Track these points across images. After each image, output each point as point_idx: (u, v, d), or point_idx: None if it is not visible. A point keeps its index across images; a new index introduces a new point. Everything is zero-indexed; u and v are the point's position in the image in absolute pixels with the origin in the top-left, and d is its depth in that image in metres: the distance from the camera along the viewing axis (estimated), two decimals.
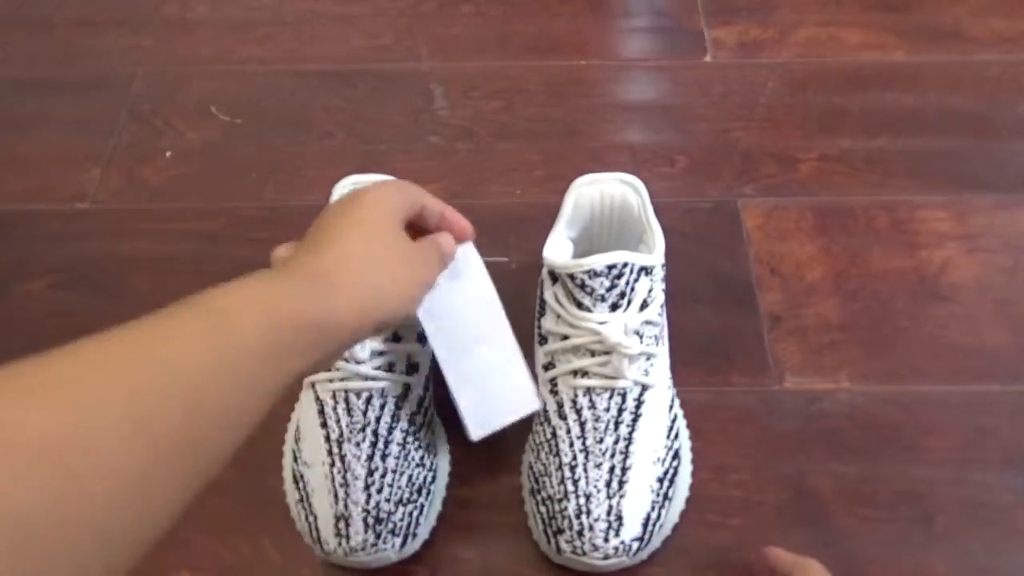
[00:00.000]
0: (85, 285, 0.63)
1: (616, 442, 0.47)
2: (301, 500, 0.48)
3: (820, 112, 0.71)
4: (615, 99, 0.74)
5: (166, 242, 0.65)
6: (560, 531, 0.47)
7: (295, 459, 0.49)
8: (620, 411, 0.48)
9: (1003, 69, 0.74)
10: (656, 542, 0.48)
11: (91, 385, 0.26)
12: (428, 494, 0.49)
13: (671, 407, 0.51)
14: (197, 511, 0.29)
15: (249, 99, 0.74)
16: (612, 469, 0.47)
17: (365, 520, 0.46)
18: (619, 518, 0.46)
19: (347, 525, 0.46)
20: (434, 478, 0.50)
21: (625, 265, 0.47)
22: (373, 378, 0.48)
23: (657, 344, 0.50)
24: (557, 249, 0.52)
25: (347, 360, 0.48)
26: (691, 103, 0.73)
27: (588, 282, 0.47)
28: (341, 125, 0.72)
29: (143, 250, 0.64)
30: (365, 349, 0.48)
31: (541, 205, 0.61)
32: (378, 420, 0.48)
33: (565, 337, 0.49)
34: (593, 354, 0.48)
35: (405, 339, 0.50)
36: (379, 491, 0.47)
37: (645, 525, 0.47)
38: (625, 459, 0.47)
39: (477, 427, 0.48)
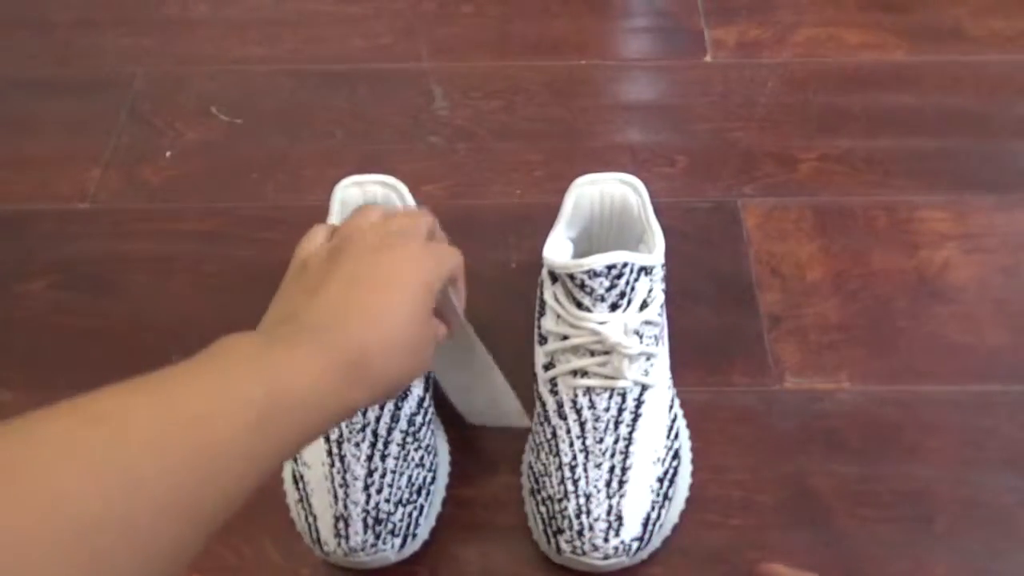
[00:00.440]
0: (85, 285, 0.63)
1: (616, 442, 0.47)
2: (301, 500, 0.48)
3: (820, 112, 0.71)
4: (615, 99, 0.74)
5: (166, 242, 0.65)
6: (560, 531, 0.47)
7: (295, 459, 0.49)
8: (620, 411, 0.48)
9: (1003, 69, 0.74)
10: (656, 542, 0.48)
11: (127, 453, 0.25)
12: (428, 494, 0.49)
13: (671, 407, 0.51)
14: None
15: (249, 99, 0.74)
16: (612, 469, 0.47)
17: (365, 520, 0.46)
18: (619, 518, 0.46)
19: (346, 525, 0.46)
20: (434, 478, 0.50)
21: (625, 265, 0.47)
22: None
23: (657, 344, 0.50)
24: (557, 249, 0.52)
25: None
26: (691, 103, 0.73)
27: (588, 282, 0.47)
28: (341, 125, 0.72)
29: (143, 250, 0.64)
30: None
31: (541, 205, 0.61)
32: (377, 420, 0.48)
33: (565, 337, 0.49)
34: (593, 354, 0.48)
35: None
36: (379, 491, 0.47)
37: (645, 525, 0.47)
38: (625, 459, 0.47)
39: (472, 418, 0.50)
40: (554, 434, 0.49)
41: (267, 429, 0.29)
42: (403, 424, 0.49)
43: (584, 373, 0.49)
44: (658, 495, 0.48)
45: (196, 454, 0.27)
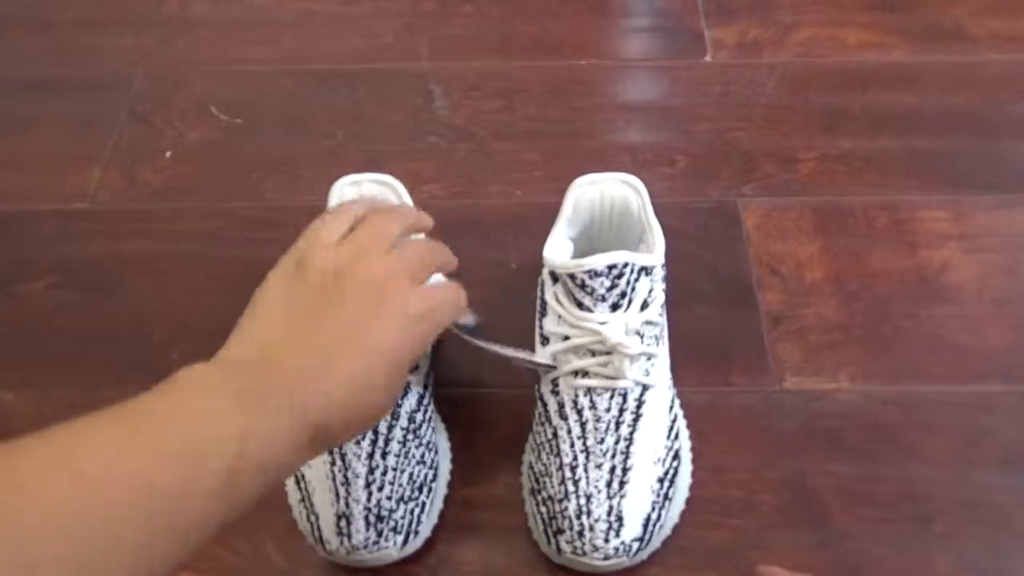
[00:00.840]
0: (85, 285, 0.63)
1: (617, 442, 0.47)
2: (303, 500, 0.48)
3: (820, 112, 0.71)
4: (615, 99, 0.74)
5: (166, 242, 0.65)
6: (560, 531, 0.47)
7: None
8: (621, 411, 0.48)
9: (1003, 69, 0.74)
10: (656, 542, 0.48)
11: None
12: (429, 491, 0.49)
13: (671, 407, 0.51)
14: None
15: (249, 99, 0.74)
16: (613, 469, 0.47)
17: (366, 518, 0.46)
18: (619, 518, 0.46)
19: (348, 523, 0.46)
20: (435, 476, 0.50)
21: (625, 265, 0.47)
22: None
23: (657, 344, 0.50)
24: (557, 249, 0.52)
25: None
26: (691, 103, 0.73)
27: (588, 282, 0.47)
28: (341, 125, 0.72)
29: (143, 250, 0.64)
30: None
31: (541, 205, 0.61)
32: None
33: (566, 337, 0.49)
34: (594, 354, 0.48)
35: None
36: (380, 489, 0.47)
37: (645, 525, 0.47)
38: (626, 459, 0.47)
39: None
40: (555, 434, 0.49)
41: (230, 493, 0.30)
42: (403, 421, 0.49)
43: (585, 373, 0.49)
44: (658, 495, 0.48)
45: (156, 520, 0.28)
